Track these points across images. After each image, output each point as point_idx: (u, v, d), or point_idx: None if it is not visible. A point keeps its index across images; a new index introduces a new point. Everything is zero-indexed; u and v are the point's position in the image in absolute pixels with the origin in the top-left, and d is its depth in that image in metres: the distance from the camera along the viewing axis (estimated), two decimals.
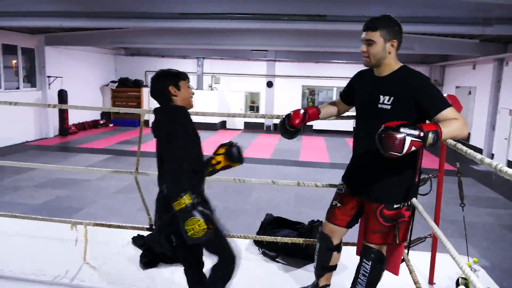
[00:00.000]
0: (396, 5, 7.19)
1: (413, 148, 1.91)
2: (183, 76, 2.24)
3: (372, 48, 2.19)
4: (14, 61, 11.96)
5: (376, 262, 2.39)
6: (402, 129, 1.91)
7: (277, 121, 16.81)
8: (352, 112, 2.62)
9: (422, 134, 1.90)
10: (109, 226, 3.37)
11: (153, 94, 2.24)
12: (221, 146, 2.55)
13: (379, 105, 2.22)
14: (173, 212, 2.03)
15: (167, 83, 2.19)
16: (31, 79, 12.68)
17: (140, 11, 8.05)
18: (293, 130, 2.56)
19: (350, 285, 2.52)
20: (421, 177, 2.77)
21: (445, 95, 2.50)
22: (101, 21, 8.69)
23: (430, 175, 2.78)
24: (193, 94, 2.30)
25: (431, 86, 2.16)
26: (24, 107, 11.84)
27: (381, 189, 2.27)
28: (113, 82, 16.55)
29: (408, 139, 1.89)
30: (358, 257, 2.54)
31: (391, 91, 2.20)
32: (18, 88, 12.04)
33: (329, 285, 2.72)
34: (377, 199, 2.31)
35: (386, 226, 2.32)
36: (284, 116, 2.58)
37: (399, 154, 1.92)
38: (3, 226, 3.89)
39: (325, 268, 2.64)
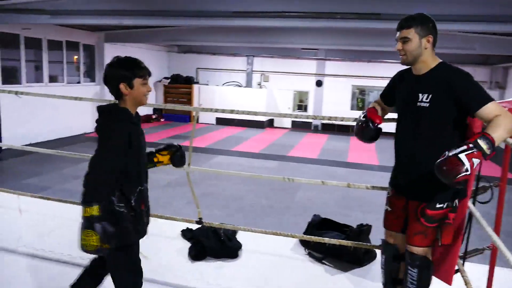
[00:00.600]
0: (455, 3, 6.85)
1: (476, 160, 1.85)
2: (140, 73, 2.04)
3: (407, 45, 2.17)
4: (76, 57, 12.66)
5: (422, 269, 2.30)
6: (450, 153, 1.89)
7: (325, 121, 16.62)
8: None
9: (471, 145, 1.86)
10: (160, 217, 3.49)
11: (105, 83, 2.07)
12: (168, 148, 2.44)
13: (418, 103, 2.18)
14: None
15: (120, 79, 2.01)
16: (90, 74, 13.37)
17: (195, 10, 8.23)
18: (378, 130, 2.52)
19: None
20: (479, 185, 2.65)
21: (510, 99, 2.39)
22: (158, 19, 8.98)
23: (491, 184, 2.64)
24: (149, 91, 2.11)
25: (471, 81, 2.08)
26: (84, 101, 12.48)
27: (423, 187, 2.22)
28: (165, 78, 17.07)
29: (463, 156, 1.85)
30: None
31: (430, 88, 2.16)
32: (79, 82, 12.74)
33: None
34: (419, 197, 2.26)
35: (429, 227, 2.24)
36: (362, 118, 2.53)
37: (468, 173, 1.86)
38: (64, 212, 4.13)
39: (396, 281, 2.52)
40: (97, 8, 8.42)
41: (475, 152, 1.84)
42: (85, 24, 11.33)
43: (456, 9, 6.87)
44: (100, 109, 2.10)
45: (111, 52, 13.46)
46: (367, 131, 2.50)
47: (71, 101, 10.94)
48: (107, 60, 11.22)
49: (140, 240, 3.36)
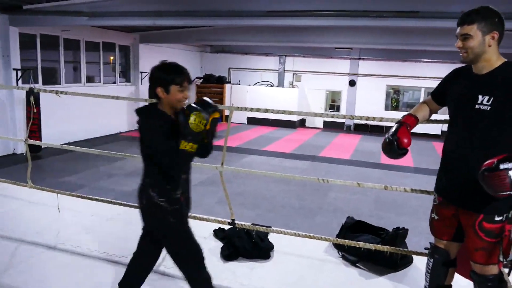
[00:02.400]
0: None
1: None
2: (178, 80, 2.12)
3: (468, 42, 1.99)
4: (112, 58, 13.01)
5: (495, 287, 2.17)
6: (502, 166, 1.74)
7: (359, 120, 16.39)
8: (441, 114, 2.41)
9: None
10: (193, 217, 3.50)
11: (149, 81, 2.20)
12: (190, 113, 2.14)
13: (477, 106, 2.01)
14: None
15: (158, 82, 2.12)
16: (126, 74, 13.70)
17: (228, 9, 8.26)
18: (403, 151, 2.29)
19: None
20: None
21: None
22: (190, 20, 9.07)
23: None
24: (186, 98, 2.17)
25: None
26: (119, 101, 12.81)
27: (479, 197, 2.01)
28: (198, 78, 17.28)
29: None
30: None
31: (491, 90, 1.97)
32: (114, 82, 13.09)
33: None
34: (474, 207, 2.08)
35: (490, 243, 2.08)
36: (390, 137, 2.28)
37: (511, 192, 1.74)
38: (100, 210, 4.24)
39: (441, 287, 2.41)
40: (132, 9, 8.61)
41: None
42: (120, 26, 11.62)
43: (503, 7, 6.56)
44: (138, 110, 2.20)
45: (145, 52, 13.75)
46: (392, 152, 2.30)
47: (107, 101, 11.33)
48: (142, 60, 11.52)
49: None
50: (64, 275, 3.04)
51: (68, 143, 9.67)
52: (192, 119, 2.02)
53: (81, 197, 4.13)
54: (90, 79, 12.11)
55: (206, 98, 2.19)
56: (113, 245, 3.50)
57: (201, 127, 2.03)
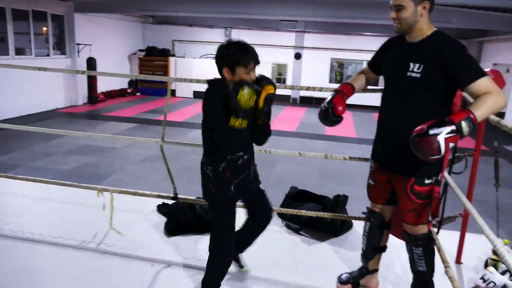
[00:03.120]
0: None
1: (451, 144, 1.81)
2: (244, 62, 2.07)
3: (402, 13, 2.05)
4: (44, 28, 12.09)
5: (426, 245, 2.32)
6: (431, 131, 1.80)
7: (304, 93, 16.60)
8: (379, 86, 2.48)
9: (454, 127, 1.78)
10: (135, 193, 3.41)
11: (215, 60, 2.17)
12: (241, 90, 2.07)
13: (408, 73, 2.08)
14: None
15: (224, 62, 2.09)
16: (60, 46, 12.83)
17: None
18: (338, 119, 2.37)
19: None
20: (456, 155, 2.66)
21: (488, 69, 2.34)
22: None
23: (466, 154, 2.66)
24: (253, 80, 2.11)
25: (466, 53, 1.99)
26: (55, 75, 12.05)
27: (410, 162, 2.10)
28: (140, 50, 16.57)
29: (442, 138, 1.78)
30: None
31: (422, 58, 2.05)
32: (48, 55, 12.21)
33: (377, 269, 2.64)
34: (406, 172, 2.19)
35: (420, 204, 2.21)
36: (326, 105, 2.34)
37: (439, 156, 1.82)
38: (34, 191, 4.01)
39: (376, 249, 2.55)
40: None
41: (455, 136, 1.78)
42: None
43: None
44: (208, 81, 2.25)
45: (82, 23, 12.92)
46: (327, 119, 2.36)
47: (42, 76, 10.63)
48: (78, 31, 10.79)
49: (115, 216, 3.32)
50: None
51: None
52: (241, 93, 1.98)
53: (13, 177, 3.86)
54: (20, 52, 11.19)
55: (262, 74, 2.15)
56: (49, 226, 3.34)
57: (250, 104, 2.00)
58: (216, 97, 2.11)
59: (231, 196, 2.30)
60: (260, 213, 2.54)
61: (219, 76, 2.18)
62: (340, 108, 2.30)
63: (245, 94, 1.97)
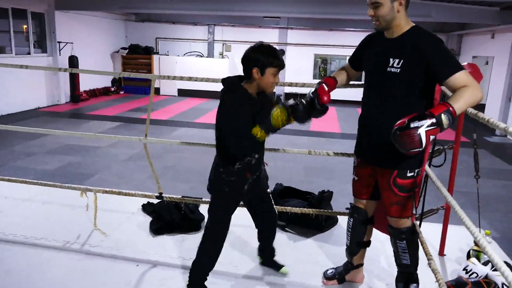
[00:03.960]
0: None
1: (432, 137, 1.84)
2: (274, 64, 2.17)
3: (379, 10, 2.08)
4: (25, 26, 11.85)
5: (409, 239, 2.36)
6: (412, 124, 1.83)
7: (288, 89, 16.65)
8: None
9: (434, 120, 1.82)
10: (119, 193, 3.38)
11: (242, 61, 2.22)
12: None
13: (388, 69, 2.12)
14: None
15: (255, 63, 2.15)
16: (41, 45, 12.58)
17: None
18: (323, 108, 2.34)
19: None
20: (435, 148, 2.70)
21: (465, 63, 2.39)
22: None
23: (445, 147, 2.71)
24: (277, 83, 2.26)
25: (443, 48, 2.03)
26: (36, 73, 11.83)
27: (392, 155, 2.13)
28: (123, 48, 16.36)
29: (423, 131, 1.81)
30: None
31: (401, 53, 2.08)
32: (29, 53, 11.97)
33: (362, 264, 2.67)
34: (389, 165, 2.23)
35: (403, 197, 2.25)
36: (311, 95, 2.29)
37: (421, 149, 1.85)
38: (15, 192, 3.94)
39: (360, 244, 2.58)
40: None
41: (435, 129, 1.82)
42: None
43: None
44: (223, 80, 2.29)
45: (63, 21, 12.70)
46: (312, 112, 2.32)
47: (23, 74, 10.45)
48: (60, 29, 10.62)
49: (99, 216, 3.28)
50: None
51: None
52: (275, 111, 2.11)
53: None
54: (0, 50, 10.97)
55: (304, 100, 2.21)
56: (31, 227, 3.28)
57: (279, 124, 2.13)
58: (238, 100, 2.17)
59: (242, 195, 2.38)
60: (269, 214, 2.66)
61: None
62: (325, 98, 2.30)
63: (279, 113, 2.11)
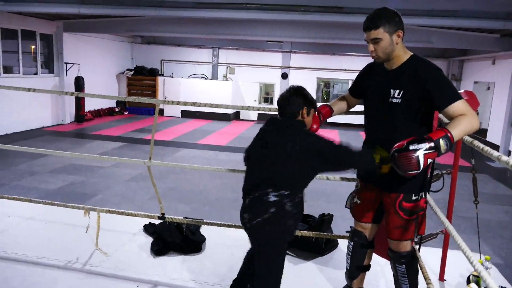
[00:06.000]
0: None
1: (430, 160, 1.90)
2: (315, 107, 2.36)
3: (379, 45, 2.14)
4: (33, 47, 12.11)
5: (409, 263, 2.37)
6: (411, 147, 1.90)
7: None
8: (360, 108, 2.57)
9: (432, 144, 1.88)
10: (122, 213, 3.41)
11: (286, 102, 2.27)
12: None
13: (390, 99, 2.18)
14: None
15: (304, 103, 2.25)
16: (49, 65, 12.83)
17: (157, 0, 8.05)
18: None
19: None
20: (434, 173, 2.74)
21: (462, 90, 2.46)
22: (118, 9, 8.73)
23: (444, 172, 2.75)
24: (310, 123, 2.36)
25: (441, 77, 2.09)
26: (42, 93, 12.02)
27: (398, 179, 2.17)
28: (129, 70, 16.64)
29: (421, 154, 1.88)
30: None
31: (401, 84, 2.15)
32: (36, 73, 12.19)
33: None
34: (395, 189, 2.26)
35: (407, 220, 2.28)
36: None
37: (418, 171, 1.90)
38: (18, 210, 3.97)
39: (360, 268, 2.58)
40: None
41: (433, 152, 1.88)
42: (41, 12, 10.83)
43: (414, 5, 7.07)
44: (277, 121, 2.32)
45: (71, 42, 12.98)
46: None
47: (29, 94, 10.59)
48: (66, 50, 10.81)
49: (101, 236, 3.30)
50: None
51: None
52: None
53: None
54: (8, 70, 11.17)
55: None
56: (33, 246, 3.31)
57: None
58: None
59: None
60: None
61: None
62: (315, 126, 2.43)
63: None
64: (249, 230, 2.24)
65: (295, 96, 2.26)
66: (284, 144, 2.15)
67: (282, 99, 2.29)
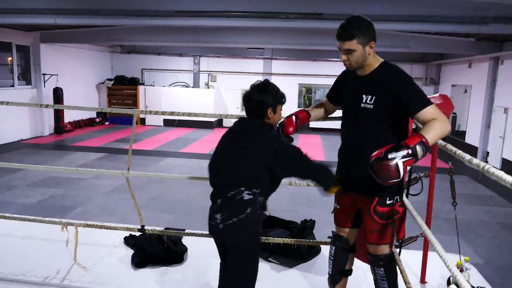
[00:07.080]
0: (393, 3, 7.17)
1: (409, 167, 1.92)
2: (283, 101, 2.29)
3: (352, 56, 2.18)
4: (9, 58, 11.88)
5: (387, 266, 2.39)
6: (390, 155, 1.91)
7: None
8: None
9: (410, 151, 1.91)
10: (100, 227, 3.35)
11: (249, 104, 2.25)
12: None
13: (362, 105, 2.22)
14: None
15: (268, 103, 2.22)
16: (26, 77, 12.59)
17: (136, 9, 8.00)
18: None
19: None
20: (412, 176, 2.77)
21: (437, 94, 2.50)
22: (96, 19, 8.62)
23: (422, 175, 2.78)
24: (282, 119, 2.34)
25: (411, 83, 2.14)
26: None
27: (372, 184, 2.16)
28: (109, 80, 16.46)
29: (400, 162, 1.90)
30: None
31: (372, 90, 2.19)
32: (13, 85, 11.96)
33: None
34: (369, 193, 2.28)
35: (382, 224, 2.29)
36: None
37: (398, 179, 1.92)
38: None
39: (342, 272, 2.58)
40: (29, 6, 7.95)
41: (411, 159, 1.90)
42: (17, 24, 10.64)
43: (392, 10, 7.19)
44: (245, 122, 2.29)
45: (48, 53, 12.78)
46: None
47: (5, 106, 10.32)
48: (44, 61, 10.63)
49: (80, 250, 3.23)
50: None
51: None
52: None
53: None
54: None
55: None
56: (10, 263, 3.21)
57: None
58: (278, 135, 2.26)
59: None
60: None
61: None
62: (291, 129, 2.47)
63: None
64: (222, 231, 2.18)
65: (259, 94, 2.24)
66: (248, 145, 2.18)
67: (245, 99, 2.28)
